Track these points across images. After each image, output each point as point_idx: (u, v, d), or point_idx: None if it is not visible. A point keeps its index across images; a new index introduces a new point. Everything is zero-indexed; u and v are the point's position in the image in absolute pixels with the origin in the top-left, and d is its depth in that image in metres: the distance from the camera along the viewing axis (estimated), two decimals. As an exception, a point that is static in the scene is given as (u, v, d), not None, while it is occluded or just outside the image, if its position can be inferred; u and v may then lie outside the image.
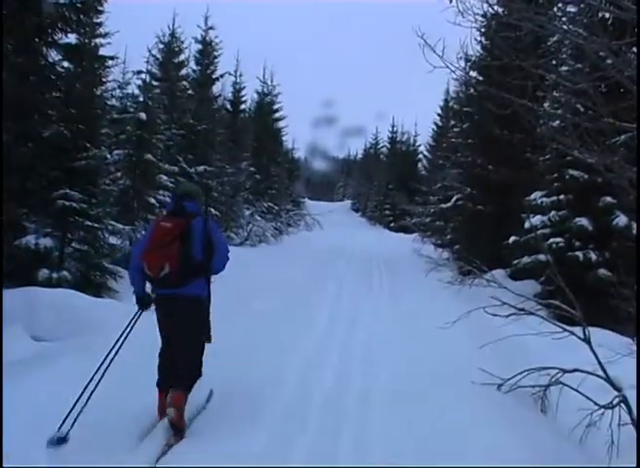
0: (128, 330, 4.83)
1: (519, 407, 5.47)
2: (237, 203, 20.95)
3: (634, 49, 4.52)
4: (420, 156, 41.08)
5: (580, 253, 10.39)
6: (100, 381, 4.51)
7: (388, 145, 47.73)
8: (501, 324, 5.95)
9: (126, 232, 10.84)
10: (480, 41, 12.85)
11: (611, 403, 4.76)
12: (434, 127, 34.77)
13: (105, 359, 4.63)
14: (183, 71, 18.38)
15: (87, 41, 9.72)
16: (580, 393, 5.04)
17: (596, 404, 4.81)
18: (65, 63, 9.13)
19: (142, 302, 4.84)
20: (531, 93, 5.01)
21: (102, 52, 11.03)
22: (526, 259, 11.40)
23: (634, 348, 5.19)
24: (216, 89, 20.68)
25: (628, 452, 4.22)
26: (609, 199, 10.12)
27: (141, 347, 5.06)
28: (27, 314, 7.02)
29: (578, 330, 5.34)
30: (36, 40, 8.33)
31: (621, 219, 9.88)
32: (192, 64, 19.62)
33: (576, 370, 5.27)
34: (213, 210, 16.59)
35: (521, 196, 12.05)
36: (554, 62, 8.41)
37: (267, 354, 6.52)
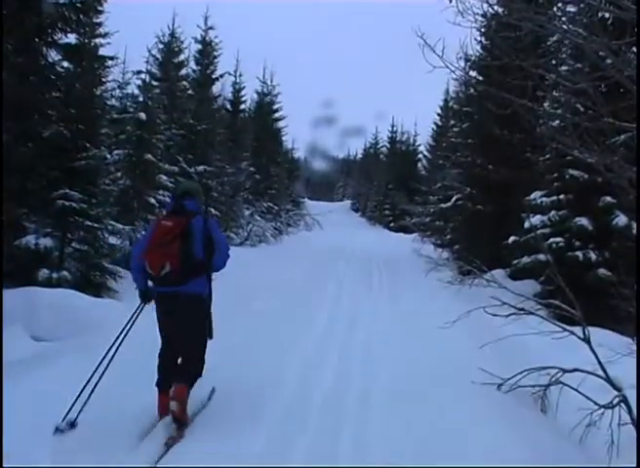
0: (130, 323, 4.88)
1: (519, 406, 5.47)
2: (237, 203, 20.95)
3: (634, 49, 4.52)
4: (420, 156, 41.13)
5: (579, 253, 10.39)
6: (104, 373, 4.61)
7: (388, 145, 47.75)
8: (501, 323, 5.95)
9: (126, 232, 10.83)
10: (480, 41, 12.86)
11: (611, 402, 4.76)
12: (434, 127, 34.82)
13: (108, 351, 4.71)
14: (183, 71, 18.38)
15: (87, 41, 9.71)
16: (579, 393, 5.04)
17: (596, 403, 4.81)
18: (65, 63, 9.13)
19: (145, 296, 4.86)
20: (531, 92, 5.01)
21: (102, 52, 11.05)
22: (526, 259, 11.40)
23: (634, 348, 5.19)
24: (215, 89, 20.72)
25: (628, 452, 4.22)
26: (609, 199, 10.12)
27: (142, 345, 5.08)
28: (27, 314, 7.02)
29: (577, 329, 5.34)
30: (36, 40, 8.33)
31: (621, 219, 9.88)
32: (192, 64, 19.67)
33: (576, 370, 5.27)
34: (213, 210, 16.60)
35: (521, 196, 12.05)
36: (554, 62, 8.42)
37: (267, 354, 6.52)
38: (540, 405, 5.49)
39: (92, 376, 4.61)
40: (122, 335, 4.83)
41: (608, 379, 4.93)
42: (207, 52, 19.87)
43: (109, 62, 12.13)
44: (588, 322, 5.41)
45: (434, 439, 4.54)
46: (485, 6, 4.95)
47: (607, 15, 5.56)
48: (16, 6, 7.53)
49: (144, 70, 14.68)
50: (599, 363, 5.01)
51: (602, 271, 10.05)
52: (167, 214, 4.96)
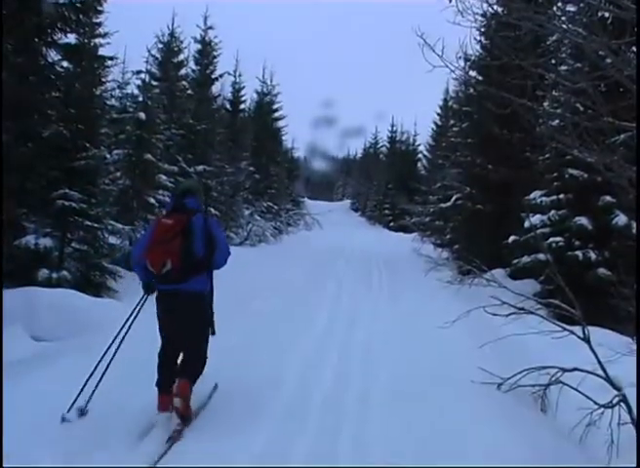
0: (134, 314, 4.94)
1: (519, 406, 5.48)
2: (237, 202, 20.96)
3: (634, 48, 4.52)
4: (420, 156, 41.14)
5: (579, 253, 10.40)
6: (110, 363, 4.72)
7: (388, 145, 47.76)
8: (501, 323, 5.95)
9: (125, 232, 10.84)
10: (479, 40, 12.87)
11: (610, 402, 4.76)
12: (434, 126, 34.85)
13: (115, 338, 4.84)
14: (183, 71, 18.38)
15: (86, 41, 9.72)
16: (579, 392, 5.04)
17: (596, 403, 4.81)
18: (65, 63, 9.14)
19: (148, 287, 4.88)
20: (530, 92, 5.01)
21: (102, 52, 11.03)
22: (525, 259, 11.41)
23: (634, 347, 5.20)
24: (215, 89, 20.73)
25: (628, 452, 4.22)
26: (608, 198, 10.13)
27: (142, 345, 5.07)
28: (27, 314, 7.03)
29: (577, 329, 5.34)
30: (36, 40, 8.34)
31: (621, 219, 9.89)
32: (192, 64, 19.66)
33: (575, 370, 5.27)
34: (212, 209, 16.59)
35: (521, 195, 12.05)
36: (554, 62, 8.43)
37: (267, 354, 6.52)
38: (539, 404, 5.49)
39: (97, 366, 4.72)
40: (127, 326, 4.91)
41: (608, 379, 4.93)
42: (206, 52, 19.87)
43: (109, 62, 12.13)
44: (588, 321, 5.41)
45: (434, 438, 4.55)
46: (485, 5, 4.95)
47: (607, 14, 5.53)
48: (15, 6, 7.53)
49: (144, 70, 14.71)
50: (599, 362, 5.01)
51: (602, 271, 10.06)
52: (167, 213, 4.99)
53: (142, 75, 14.77)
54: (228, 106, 23.99)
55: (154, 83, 16.07)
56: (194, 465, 3.89)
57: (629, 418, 4.59)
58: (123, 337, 4.87)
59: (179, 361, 4.85)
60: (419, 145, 42.49)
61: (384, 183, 41.96)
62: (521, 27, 4.79)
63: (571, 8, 5.11)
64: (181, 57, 18.24)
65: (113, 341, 4.85)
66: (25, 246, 8.49)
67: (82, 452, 3.95)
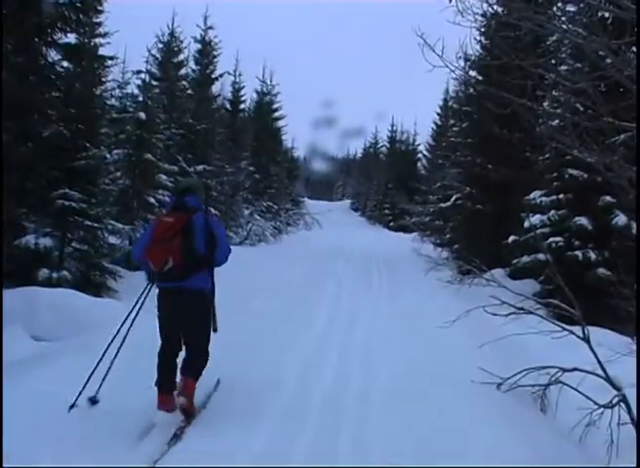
0: (139, 304, 5.00)
1: (519, 406, 5.48)
2: (236, 202, 20.96)
3: (634, 48, 4.52)
4: (420, 155, 41.13)
5: (579, 253, 10.40)
6: (118, 352, 4.83)
7: (388, 145, 47.73)
8: (501, 323, 5.95)
9: (125, 232, 10.84)
10: (479, 40, 12.87)
11: (610, 402, 4.76)
12: (434, 126, 34.85)
13: (122, 326, 4.95)
14: (183, 71, 18.36)
15: (86, 41, 9.71)
16: (579, 392, 5.04)
17: (596, 403, 4.81)
18: (65, 63, 9.14)
19: (152, 276, 4.90)
20: (530, 92, 5.01)
21: (102, 51, 11.03)
22: (525, 259, 11.41)
23: (634, 347, 5.19)
24: (215, 88, 20.73)
25: (628, 452, 4.22)
26: (608, 198, 10.13)
27: (142, 344, 5.08)
28: (27, 314, 7.03)
29: (577, 329, 5.34)
30: (36, 40, 8.35)
31: (621, 219, 9.89)
32: (192, 64, 19.66)
33: (575, 370, 5.27)
34: (212, 209, 16.58)
35: (520, 195, 12.05)
36: (554, 62, 8.43)
37: (267, 353, 6.53)
38: (539, 404, 5.50)
39: (99, 363, 4.80)
40: (130, 320, 4.98)
41: (607, 379, 4.93)
42: (206, 51, 19.88)
43: (109, 62, 12.12)
44: (588, 321, 5.41)
45: (434, 438, 4.55)
46: (485, 5, 4.95)
47: (607, 14, 5.53)
48: (15, 6, 7.54)
49: (144, 70, 14.71)
50: (599, 362, 5.02)
51: (601, 271, 10.07)
52: (168, 211, 5.02)
53: (142, 75, 14.78)
54: (228, 106, 23.99)
55: (154, 83, 16.06)
56: (194, 465, 3.89)
57: (629, 418, 4.59)
58: (127, 331, 4.94)
59: (180, 358, 4.87)
60: (418, 145, 42.54)
61: (384, 183, 41.93)
62: (521, 27, 4.79)
63: (571, 8, 5.11)
64: (181, 56, 18.24)
65: (116, 335, 4.90)
66: (25, 245, 8.49)
67: (82, 451, 3.95)
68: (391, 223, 38.60)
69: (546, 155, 11.64)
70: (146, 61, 15.12)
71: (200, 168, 16.55)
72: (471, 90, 15.98)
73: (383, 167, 45.39)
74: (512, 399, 5.56)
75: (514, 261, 11.93)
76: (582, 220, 10.51)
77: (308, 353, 6.88)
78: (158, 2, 19.42)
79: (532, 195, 11.59)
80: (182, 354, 4.90)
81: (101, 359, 4.85)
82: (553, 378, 5.37)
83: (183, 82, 17.90)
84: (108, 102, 13.30)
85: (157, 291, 4.85)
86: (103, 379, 4.73)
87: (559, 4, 5.27)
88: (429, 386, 5.74)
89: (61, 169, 9.11)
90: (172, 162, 14.54)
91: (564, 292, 5.45)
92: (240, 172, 21.89)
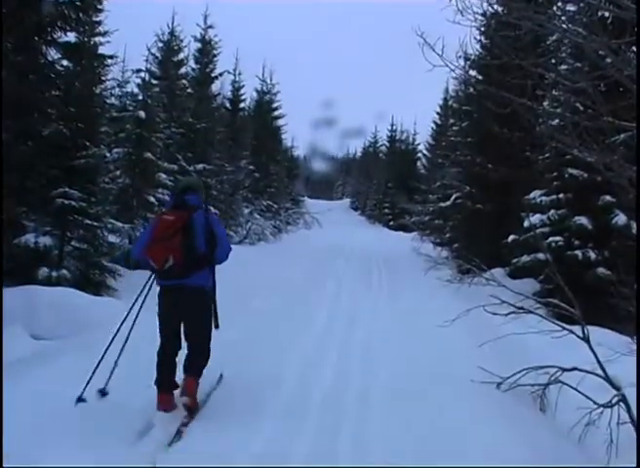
0: (144, 295, 5.05)
1: (518, 405, 5.48)
2: (236, 201, 20.96)
3: (634, 48, 4.52)
4: (420, 155, 41.12)
5: (579, 252, 10.40)
6: (125, 345, 4.88)
7: (387, 144, 47.74)
8: (501, 322, 5.95)
9: (125, 230, 10.84)
10: (479, 40, 12.87)
11: (610, 402, 4.76)
12: (433, 125, 34.84)
13: (126, 317, 5.01)
14: (183, 70, 18.36)
15: (86, 39, 9.71)
16: (579, 392, 5.04)
17: (595, 402, 4.81)
18: (65, 62, 9.14)
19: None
20: (530, 91, 5.01)
21: (102, 50, 11.07)
22: (525, 258, 11.41)
23: (633, 347, 5.19)
24: (215, 87, 20.73)
25: (627, 451, 4.23)
26: (608, 198, 10.13)
27: (141, 344, 5.08)
28: (27, 313, 7.03)
29: (577, 328, 5.34)
30: (36, 38, 8.34)
31: (621, 218, 9.89)
32: (191, 63, 19.66)
33: (575, 369, 5.27)
34: (212, 208, 16.57)
35: (520, 195, 12.06)
36: (554, 61, 8.43)
37: (267, 352, 6.53)
38: (539, 404, 5.50)
39: (101, 360, 4.84)
40: (134, 314, 5.03)
41: (607, 378, 4.93)
42: (206, 50, 19.88)
43: (109, 61, 12.08)
44: (587, 321, 5.42)
45: (434, 437, 4.55)
46: (485, 5, 4.97)
47: (607, 14, 5.54)
48: (15, 4, 7.53)
49: (144, 69, 14.65)
50: (598, 362, 5.02)
51: (601, 270, 10.07)
52: (169, 210, 5.03)
53: (142, 74, 14.72)
54: (228, 105, 23.98)
55: (154, 81, 16.04)
56: (194, 465, 3.89)
57: (628, 418, 4.60)
58: (131, 328, 4.98)
59: (178, 360, 4.88)
60: (418, 144, 42.55)
61: (384, 182, 41.95)
62: (521, 27, 4.80)
63: (571, 7, 5.11)
64: (181, 55, 18.26)
65: (117, 333, 4.94)
66: (25, 244, 8.49)
67: (82, 451, 3.94)
68: (391, 222, 38.60)
69: (546, 154, 11.64)
70: (146, 60, 15.08)
71: (200, 167, 16.55)
72: (471, 89, 15.98)
73: (383, 166, 45.39)
74: (512, 398, 5.56)
75: (514, 261, 11.93)
76: (582, 220, 10.51)
77: (308, 352, 6.88)
78: (158, 1, 19.48)
79: (532, 194, 11.60)
80: (182, 353, 4.91)
81: (104, 355, 4.89)
82: (553, 378, 5.37)
83: (183, 81, 17.91)
84: (108, 101, 13.31)
85: (158, 289, 4.86)
86: (112, 372, 4.78)
87: (559, 3, 5.27)
88: (429, 385, 5.74)
89: (61, 167, 9.11)
90: (171, 161, 14.53)
91: (564, 292, 5.45)
92: (240, 170, 21.89)
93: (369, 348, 7.32)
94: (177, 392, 4.82)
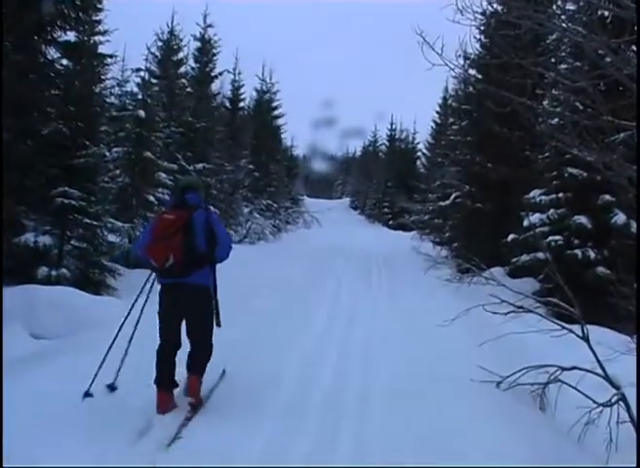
0: (142, 302, 5.13)
1: (518, 404, 5.48)
2: (236, 200, 20.96)
3: (633, 47, 4.53)
4: (419, 154, 41.02)
5: (578, 251, 10.41)
6: (132, 338, 5.03)
7: (387, 143, 47.70)
8: (500, 321, 5.96)
9: (125, 230, 10.84)
10: (479, 39, 12.90)
11: (609, 401, 4.76)
12: (433, 125, 34.74)
13: (131, 310, 5.10)
14: (182, 69, 18.37)
15: (86, 39, 9.72)
16: (578, 391, 5.05)
17: (595, 402, 4.82)
18: (64, 61, 9.15)
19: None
20: (530, 91, 5.02)
21: (101, 49, 11.05)
22: (525, 257, 11.42)
23: (633, 346, 5.19)
24: (215, 86, 20.72)
25: (627, 450, 4.23)
26: (608, 197, 10.14)
27: (141, 344, 5.08)
28: (27, 312, 7.03)
29: (576, 327, 5.34)
30: (35, 38, 8.35)
31: (620, 217, 9.90)
32: (191, 62, 19.66)
33: (574, 368, 5.27)
34: (212, 207, 16.56)
35: (520, 194, 12.06)
36: (553, 60, 8.42)
37: (267, 351, 6.53)
38: (538, 403, 5.50)
39: (104, 358, 4.92)
40: (137, 312, 5.09)
41: (606, 377, 4.94)
42: (206, 49, 19.87)
43: (108, 60, 12.05)
44: (587, 320, 5.42)
45: (433, 436, 4.55)
46: (484, 4, 4.96)
47: (606, 13, 5.55)
48: (15, 4, 7.52)
49: (144, 68, 14.67)
50: (598, 361, 5.02)
51: (601, 269, 10.08)
52: (169, 209, 5.06)
53: (142, 73, 14.74)
54: (228, 104, 23.98)
55: (154, 81, 16.04)
56: (194, 465, 3.89)
57: (628, 417, 4.60)
58: (136, 325, 5.05)
59: (177, 359, 4.88)
60: (418, 144, 42.44)
61: (384, 181, 41.90)
62: (521, 26, 4.80)
63: (570, 6, 5.11)
64: (181, 54, 18.26)
65: (119, 331, 4.98)
66: (25, 243, 8.49)
67: (82, 450, 3.94)
68: (391, 222, 38.55)
69: (546, 154, 11.64)
70: (146, 59, 15.12)
71: (200, 166, 16.56)
72: (471, 88, 15.97)
73: (383, 165, 45.33)
74: (511, 397, 5.56)
75: (514, 260, 11.94)
76: (582, 219, 10.52)
77: (308, 351, 6.88)
78: (158, 0, 19.44)
79: (531, 194, 11.60)
80: (184, 352, 4.92)
81: (108, 353, 4.96)
82: (552, 377, 5.37)
83: (183, 80, 17.92)
84: (108, 100, 13.29)
85: (159, 287, 4.88)
86: (120, 367, 4.87)
87: (559, 2, 5.28)
88: (429, 384, 5.74)
89: (61, 167, 9.11)
90: (171, 160, 14.53)
91: (563, 291, 5.46)
92: (239, 170, 21.89)
93: (368, 347, 7.31)
94: (177, 391, 4.82)
